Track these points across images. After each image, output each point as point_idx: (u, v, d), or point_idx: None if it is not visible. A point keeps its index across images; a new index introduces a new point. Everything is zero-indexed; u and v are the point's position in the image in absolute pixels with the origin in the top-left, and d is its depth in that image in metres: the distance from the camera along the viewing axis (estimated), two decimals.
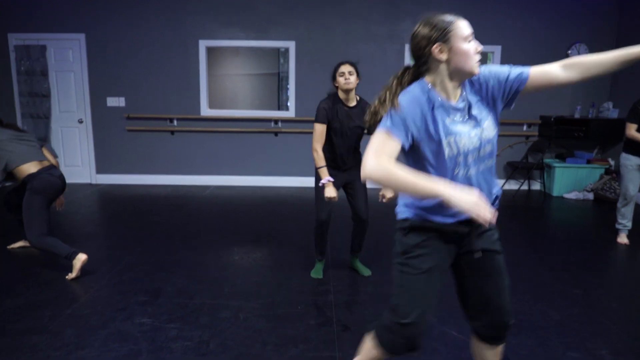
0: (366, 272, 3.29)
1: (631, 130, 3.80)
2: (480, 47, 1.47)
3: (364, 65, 6.13)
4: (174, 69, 6.21)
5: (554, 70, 1.50)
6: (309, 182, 6.01)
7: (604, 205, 5.64)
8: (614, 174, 5.87)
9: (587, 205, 5.67)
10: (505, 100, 1.54)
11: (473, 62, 1.44)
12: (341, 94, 2.98)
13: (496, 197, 1.61)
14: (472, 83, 1.53)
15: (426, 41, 1.45)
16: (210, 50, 6.40)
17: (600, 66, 1.47)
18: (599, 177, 6.01)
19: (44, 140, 6.22)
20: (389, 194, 2.77)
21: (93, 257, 3.41)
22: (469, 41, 1.44)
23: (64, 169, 3.50)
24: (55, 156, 3.60)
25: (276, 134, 6.37)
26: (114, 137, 6.38)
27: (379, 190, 2.67)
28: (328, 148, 3.05)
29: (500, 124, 1.66)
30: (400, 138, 1.42)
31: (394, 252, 1.63)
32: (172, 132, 6.36)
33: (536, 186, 6.57)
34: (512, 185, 6.45)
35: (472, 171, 1.51)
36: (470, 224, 1.54)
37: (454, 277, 1.68)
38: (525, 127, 6.42)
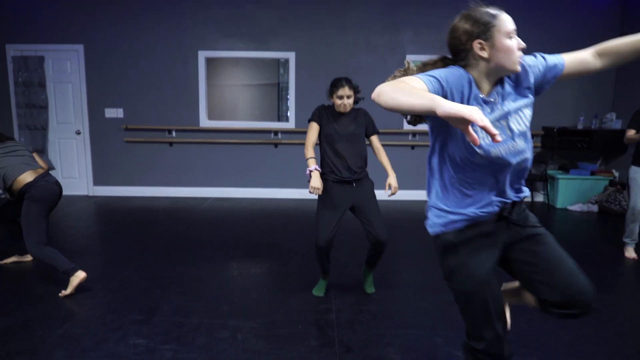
0: (370, 289, 3.19)
1: (630, 132, 3.74)
2: (523, 44, 1.40)
3: (365, 76, 6.11)
4: (173, 80, 6.16)
5: (588, 59, 1.48)
6: (309, 194, 5.92)
7: (609, 217, 5.55)
8: (618, 185, 5.79)
9: (591, 217, 5.59)
10: (539, 91, 1.51)
11: (515, 59, 1.38)
12: (337, 109, 2.97)
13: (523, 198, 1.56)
14: (509, 77, 1.47)
15: (466, 36, 1.38)
16: (209, 61, 6.35)
17: (635, 50, 1.43)
18: (603, 189, 5.93)
19: (41, 152, 6.14)
20: (394, 183, 2.79)
21: (88, 272, 3.30)
22: (512, 37, 1.37)
23: (60, 181, 3.43)
24: (52, 168, 3.53)
25: (276, 145, 6.30)
26: (111, 148, 6.30)
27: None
28: (332, 160, 2.96)
29: None
30: (428, 85, 1.30)
31: (444, 276, 1.59)
32: (171, 144, 6.28)
33: (540, 198, 6.49)
34: None
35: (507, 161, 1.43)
36: (506, 211, 1.48)
37: (511, 273, 1.60)
38: None
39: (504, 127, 1.43)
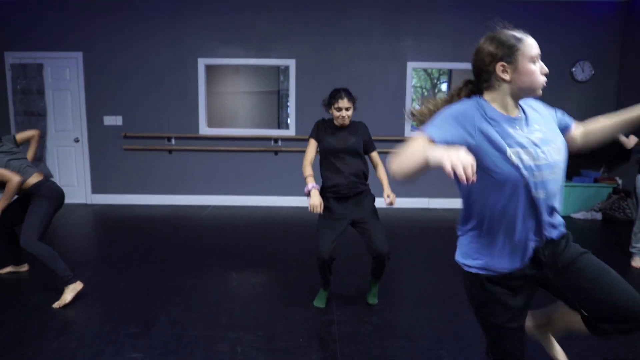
0: (373, 300, 3.11)
1: (621, 137, 3.69)
2: (546, 69, 1.38)
3: (365, 84, 6.09)
4: (173, 87, 6.12)
5: (576, 138, 1.56)
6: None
7: (613, 225, 5.49)
8: (622, 193, 5.73)
9: (595, 225, 5.52)
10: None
11: (538, 84, 1.36)
12: (335, 121, 2.92)
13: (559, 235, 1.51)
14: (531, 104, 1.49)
15: (490, 58, 1.37)
16: (209, 68, 6.32)
17: (615, 129, 1.51)
18: (607, 197, 5.88)
19: (39, 159, 6.09)
20: (392, 195, 2.75)
21: (85, 282, 3.24)
22: (536, 62, 1.36)
23: None
24: (50, 175, 3.47)
25: (276, 152, 6.25)
26: (110, 156, 6.25)
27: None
28: (332, 175, 2.90)
29: None
30: (435, 136, 1.30)
31: (471, 301, 1.55)
32: (170, 151, 6.23)
33: None
34: None
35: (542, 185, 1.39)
36: (538, 259, 1.43)
37: (553, 294, 1.54)
38: None
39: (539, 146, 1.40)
